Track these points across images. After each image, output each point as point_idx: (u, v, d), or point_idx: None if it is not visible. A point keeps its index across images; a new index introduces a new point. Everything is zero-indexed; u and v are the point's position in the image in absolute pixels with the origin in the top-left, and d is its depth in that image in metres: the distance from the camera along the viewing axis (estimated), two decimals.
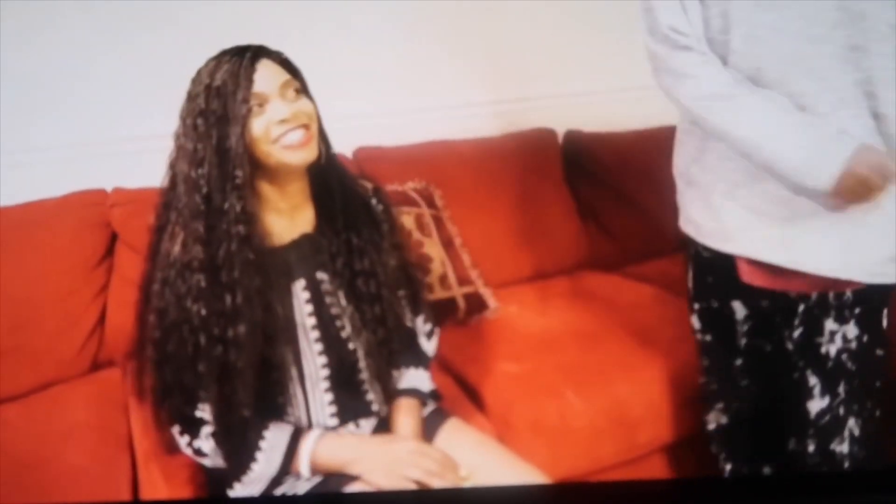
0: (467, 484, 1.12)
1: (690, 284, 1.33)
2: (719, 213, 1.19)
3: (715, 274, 1.27)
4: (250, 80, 1.06)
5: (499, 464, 1.19)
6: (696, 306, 1.33)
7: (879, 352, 1.20)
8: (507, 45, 2.11)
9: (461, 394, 1.49)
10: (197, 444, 1.12)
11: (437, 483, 1.09)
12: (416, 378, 1.24)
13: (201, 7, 1.80)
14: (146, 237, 1.15)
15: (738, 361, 1.30)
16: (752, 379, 1.30)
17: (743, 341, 1.28)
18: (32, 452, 1.31)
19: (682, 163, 1.27)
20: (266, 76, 1.07)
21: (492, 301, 1.76)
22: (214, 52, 1.10)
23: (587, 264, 1.95)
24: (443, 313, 1.71)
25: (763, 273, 1.19)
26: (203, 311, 1.07)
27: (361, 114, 1.86)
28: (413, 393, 1.23)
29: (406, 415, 1.20)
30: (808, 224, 1.12)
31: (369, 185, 1.26)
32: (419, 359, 1.27)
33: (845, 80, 1.07)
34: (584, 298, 1.80)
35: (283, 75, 1.09)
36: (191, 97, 1.08)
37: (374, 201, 1.24)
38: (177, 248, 1.08)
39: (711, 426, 1.36)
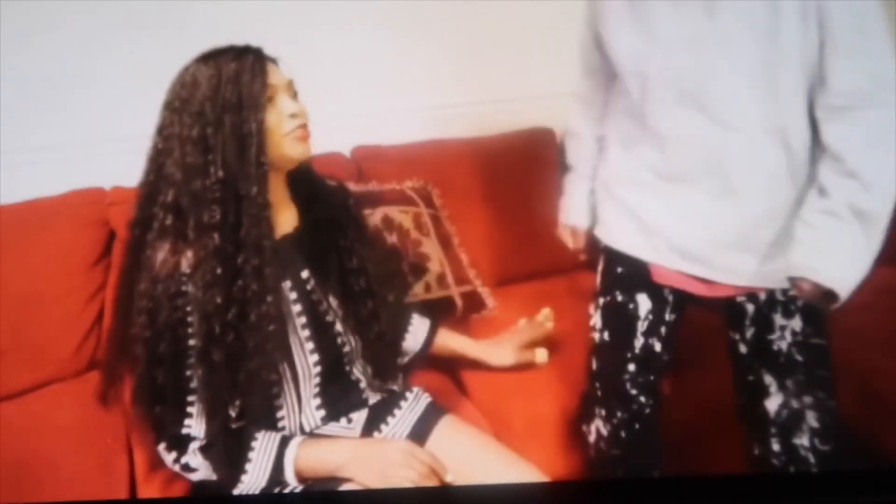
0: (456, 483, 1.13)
1: (598, 279, 1.36)
2: (638, 221, 1.24)
3: (625, 265, 1.29)
4: (265, 72, 1.09)
5: (496, 461, 1.20)
6: (601, 301, 1.34)
7: (819, 341, 1.22)
8: (505, 44, 2.11)
9: (458, 392, 1.49)
10: (185, 459, 1.11)
11: (427, 484, 1.09)
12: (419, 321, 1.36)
13: (200, 8, 1.80)
14: None
15: (631, 367, 1.29)
16: (640, 389, 1.30)
17: (639, 342, 1.29)
18: (30, 451, 1.31)
19: (601, 174, 1.33)
20: (274, 72, 1.12)
21: (490, 300, 1.76)
22: None
23: (586, 264, 1.95)
24: (440, 312, 1.70)
25: (677, 276, 1.23)
26: (219, 299, 1.05)
27: (358, 113, 1.87)
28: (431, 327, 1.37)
29: (447, 338, 1.35)
30: (723, 240, 1.18)
31: (335, 184, 1.28)
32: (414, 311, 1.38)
33: (754, 96, 1.10)
34: (583, 298, 1.80)
35: (285, 76, 1.13)
36: (188, 85, 1.08)
37: (346, 198, 1.27)
38: (168, 243, 1.07)
39: (592, 437, 1.34)
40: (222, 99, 1.06)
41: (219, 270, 1.05)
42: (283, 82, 1.12)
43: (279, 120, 1.10)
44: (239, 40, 1.13)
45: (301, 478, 1.11)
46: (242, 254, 1.06)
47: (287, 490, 1.11)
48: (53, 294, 1.56)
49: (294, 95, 1.14)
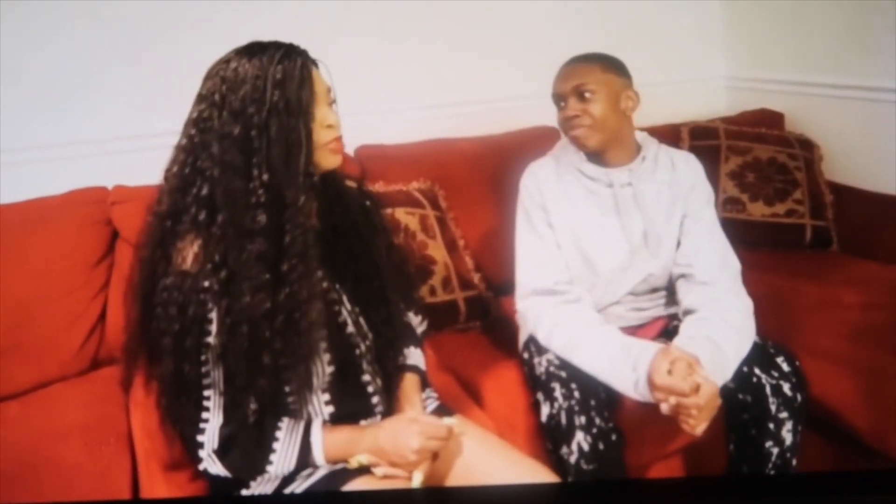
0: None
1: None
2: None
3: None
4: (312, 79, 1.05)
5: (504, 461, 1.19)
6: None
7: None
8: (508, 42, 2.12)
9: (465, 395, 1.49)
10: (203, 466, 1.09)
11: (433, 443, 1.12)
12: (415, 356, 1.28)
13: (202, 7, 1.80)
14: None
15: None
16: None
17: None
18: (32, 450, 1.31)
19: None
20: (317, 78, 1.07)
21: (493, 307, 1.77)
22: (215, 52, 1.08)
23: None
24: (444, 317, 1.71)
25: None
26: (268, 304, 1.03)
27: (362, 111, 1.86)
28: (415, 369, 1.26)
29: (413, 391, 1.23)
30: None
31: (355, 185, 1.26)
32: (416, 339, 1.30)
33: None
34: None
35: (326, 82, 1.09)
36: (230, 80, 1.03)
37: (365, 201, 1.25)
38: (198, 237, 1.03)
39: (573, 458, 1.30)
40: (269, 102, 1.02)
41: (266, 276, 1.03)
42: (323, 90, 1.08)
43: (317, 130, 1.07)
44: (239, 40, 1.10)
45: (331, 459, 1.11)
46: (287, 261, 1.04)
47: (306, 480, 1.12)
48: (56, 293, 1.55)
49: (331, 103, 1.10)
